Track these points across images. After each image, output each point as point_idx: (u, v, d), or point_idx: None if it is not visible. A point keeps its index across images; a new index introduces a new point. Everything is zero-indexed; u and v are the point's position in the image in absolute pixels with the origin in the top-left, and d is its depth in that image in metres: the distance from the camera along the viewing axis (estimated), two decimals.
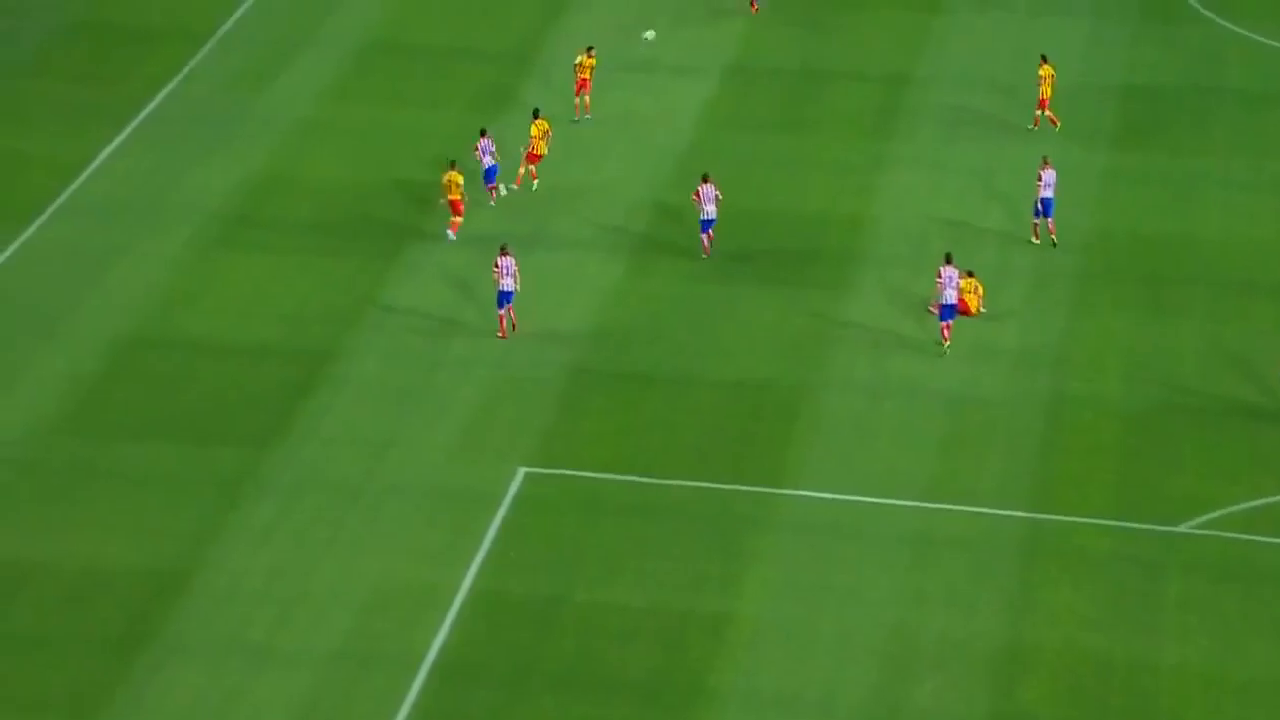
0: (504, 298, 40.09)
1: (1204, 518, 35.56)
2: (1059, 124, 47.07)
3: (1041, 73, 46.92)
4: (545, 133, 45.11)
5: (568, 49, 51.23)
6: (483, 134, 44.73)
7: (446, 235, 43.18)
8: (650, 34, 49.43)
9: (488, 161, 44.51)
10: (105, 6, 53.37)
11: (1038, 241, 43.03)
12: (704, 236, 42.80)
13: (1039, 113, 47.04)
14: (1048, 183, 42.75)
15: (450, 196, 42.95)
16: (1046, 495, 36.21)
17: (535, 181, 44.86)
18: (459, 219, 43.11)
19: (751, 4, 52.52)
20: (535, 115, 45.35)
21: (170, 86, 49.85)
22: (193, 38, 51.86)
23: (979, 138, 47.10)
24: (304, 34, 52.04)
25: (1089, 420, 38.09)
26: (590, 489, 36.49)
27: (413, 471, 36.88)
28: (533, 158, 45.17)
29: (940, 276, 39.58)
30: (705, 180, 42.73)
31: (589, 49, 48.48)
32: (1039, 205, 42.84)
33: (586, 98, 47.99)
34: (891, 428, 37.91)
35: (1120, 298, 41.47)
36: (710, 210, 42.59)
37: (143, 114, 48.54)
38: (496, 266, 40.11)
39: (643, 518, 35.83)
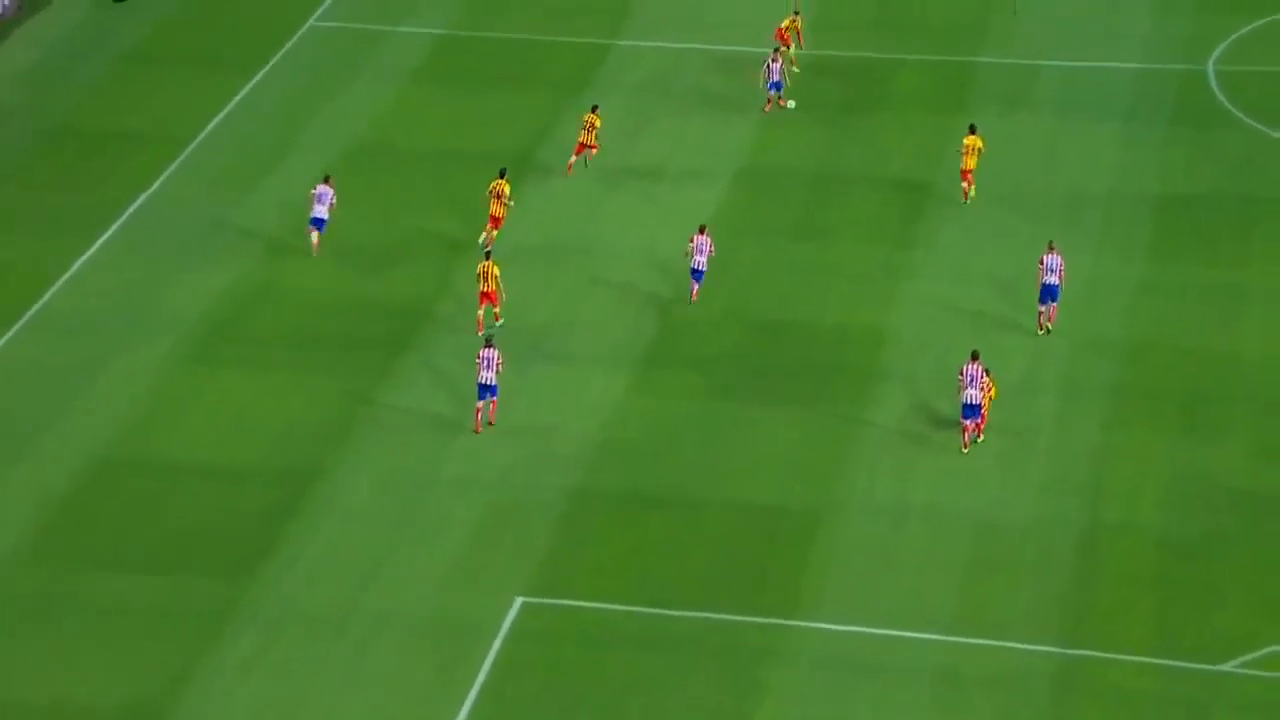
0: (483, 391, 40.54)
1: (1250, 656, 35.22)
2: (970, 197, 48.35)
3: (967, 142, 48.22)
4: (500, 193, 46.51)
5: (568, 155, 51.44)
6: (325, 180, 46.15)
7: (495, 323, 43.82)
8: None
9: (319, 211, 45.76)
10: (85, 111, 53.84)
11: (1042, 332, 43.44)
12: (695, 284, 44.89)
13: (964, 185, 48.40)
14: (1050, 268, 43.38)
15: (484, 288, 43.63)
16: (1080, 629, 35.90)
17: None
18: (497, 308, 43.94)
19: (768, 102, 52.75)
20: (502, 174, 46.90)
21: (150, 191, 50.16)
22: (174, 141, 52.24)
23: (1004, 246, 47.26)
24: (288, 138, 52.41)
25: (1125, 548, 37.85)
26: (593, 620, 36.22)
27: (403, 601, 36.64)
28: (494, 221, 46.59)
29: (962, 375, 39.79)
30: (701, 232, 44.67)
31: (593, 107, 49.59)
32: (1043, 293, 43.47)
33: (590, 155, 49.05)
34: (914, 555, 37.70)
35: (1158, 416, 41.41)
36: (701, 262, 44.55)
37: (120, 221, 48.81)
38: (478, 358, 40.61)
39: (649, 651, 35.53)
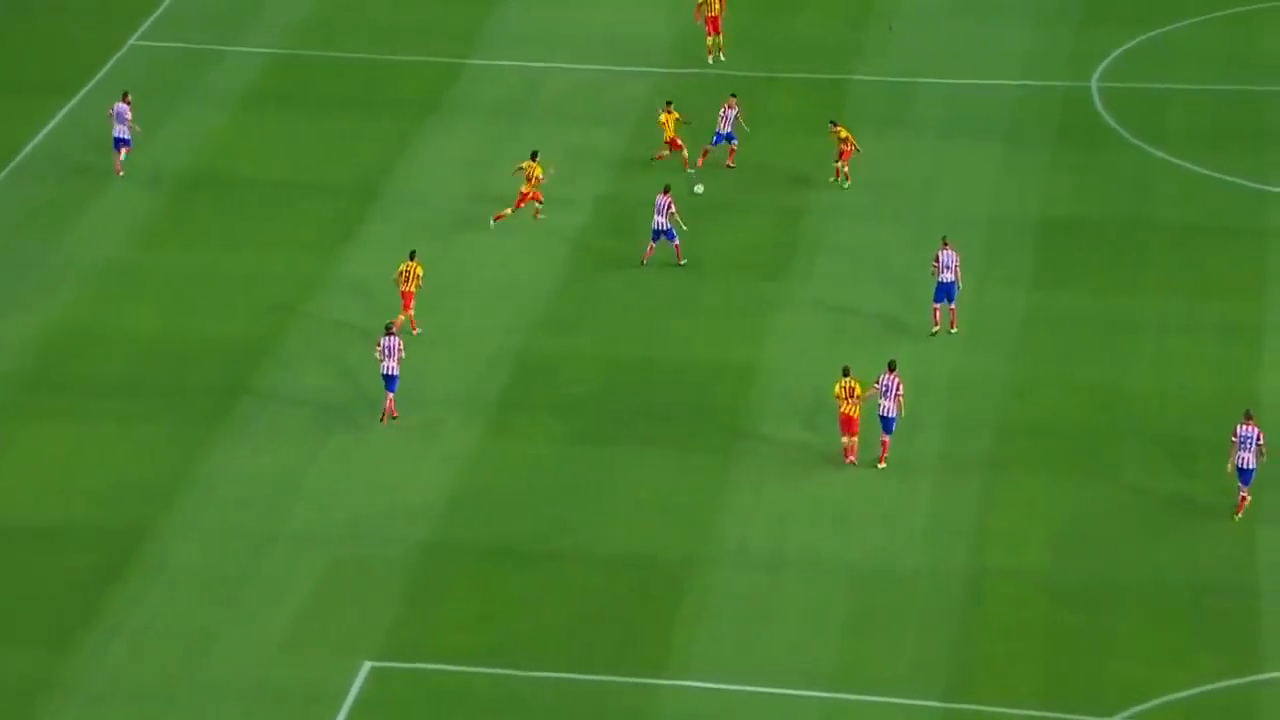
0: (389, 382, 41.83)
1: (1142, 707, 35.47)
2: (847, 181, 50.07)
3: (843, 133, 49.93)
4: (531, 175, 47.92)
5: (417, 181, 51.26)
6: (124, 97, 46.81)
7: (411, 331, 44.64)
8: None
9: (119, 131, 46.16)
10: None
11: (936, 329, 44.38)
12: (652, 245, 46.95)
13: (839, 165, 50.02)
14: (946, 265, 43.94)
15: (405, 287, 44.58)
16: (966, 682, 36.02)
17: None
18: (410, 313, 44.78)
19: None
20: (533, 157, 48.64)
21: None
22: None
23: (882, 274, 47.52)
24: (110, 165, 51.53)
25: (1012, 596, 38.06)
26: (448, 684, 35.85)
27: (239, 670, 36.10)
28: (534, 197, 48.26)
29: (878, 383, 40.72)
30: (665, 191, 47.18)
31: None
32: (937, 290, 44.06)
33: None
34: (792, 607, 37.70)
35: (1046, 455, 41.69)
36: (661, 221, 46.72)
37: None
38: (379, 347, 41.55)
39: (509, 716, 35.22)
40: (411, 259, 45.07)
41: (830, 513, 40.01)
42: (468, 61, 57.17)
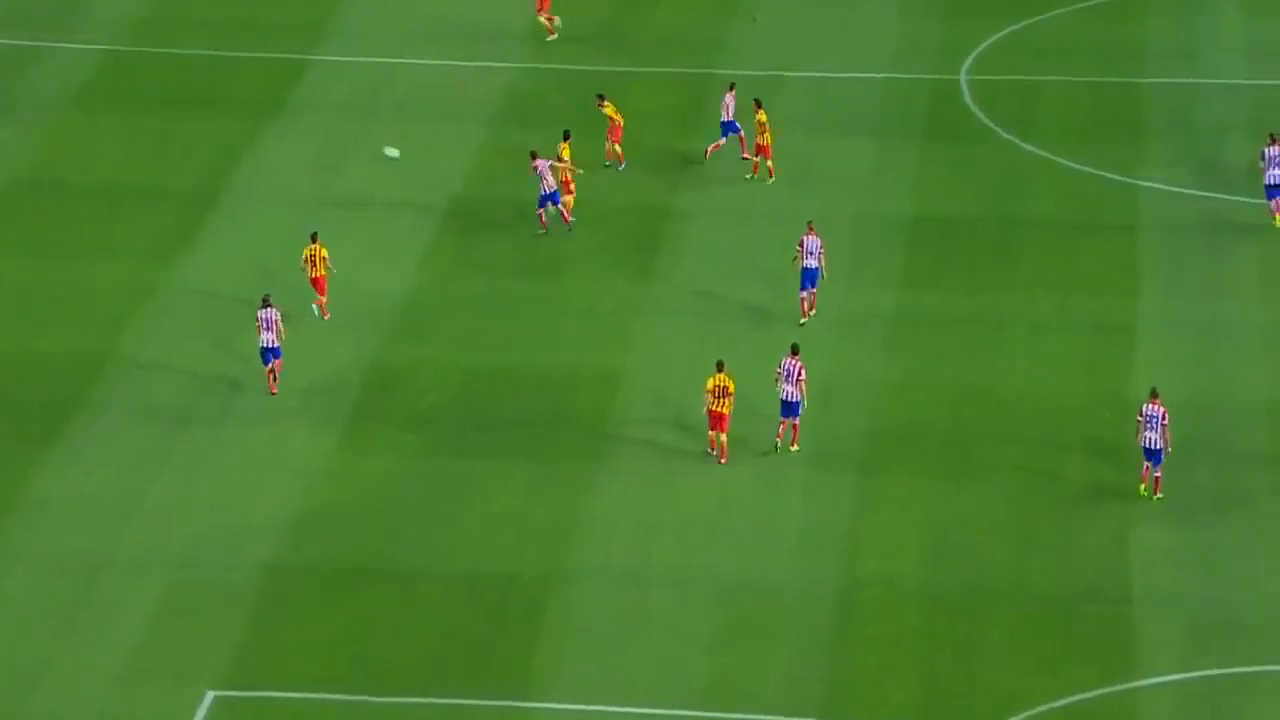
0: (265, 355, 42.58)
1: (1021, 715, 35.73)
2: (759, 176, 50.42)
3: (760, 118, 50.09)
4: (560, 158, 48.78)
5: (261, 184, 50.87)
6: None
7: (313, 311, 45.30)
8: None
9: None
10: None
11: (805, 320, 45.08)
12: (541, 211, 47.85)
13: (761, 161, 50.45)
14: (810, 250, 45.08)
15: (313, 274, 45.07)
16: (841, 696, 36.16)
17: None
18: (323, 299, 45.43)
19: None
20: (566, 137, 49.39)
21: None
22: None
23: (750, 272, 47.61)
24: None
25: (885, 606, 38.25)
26: (297, 712, 35.53)
27: (73, 703, 35.58)
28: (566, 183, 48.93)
29: (780, 369, 41.15)
30: (534, 157, 48.05)
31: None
32: (803, 277, 44.97)
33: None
34: (658, 622, 37.69)
35: (917, 460, 41.96)
36: (550, 183, 47.78)
37: None
38: (259, 319, 42.44)
39: None
40: (314, 241, 45.33)
41: (698, 523, 40.06)
42: (312, 57, 56.77)
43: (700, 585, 38.50)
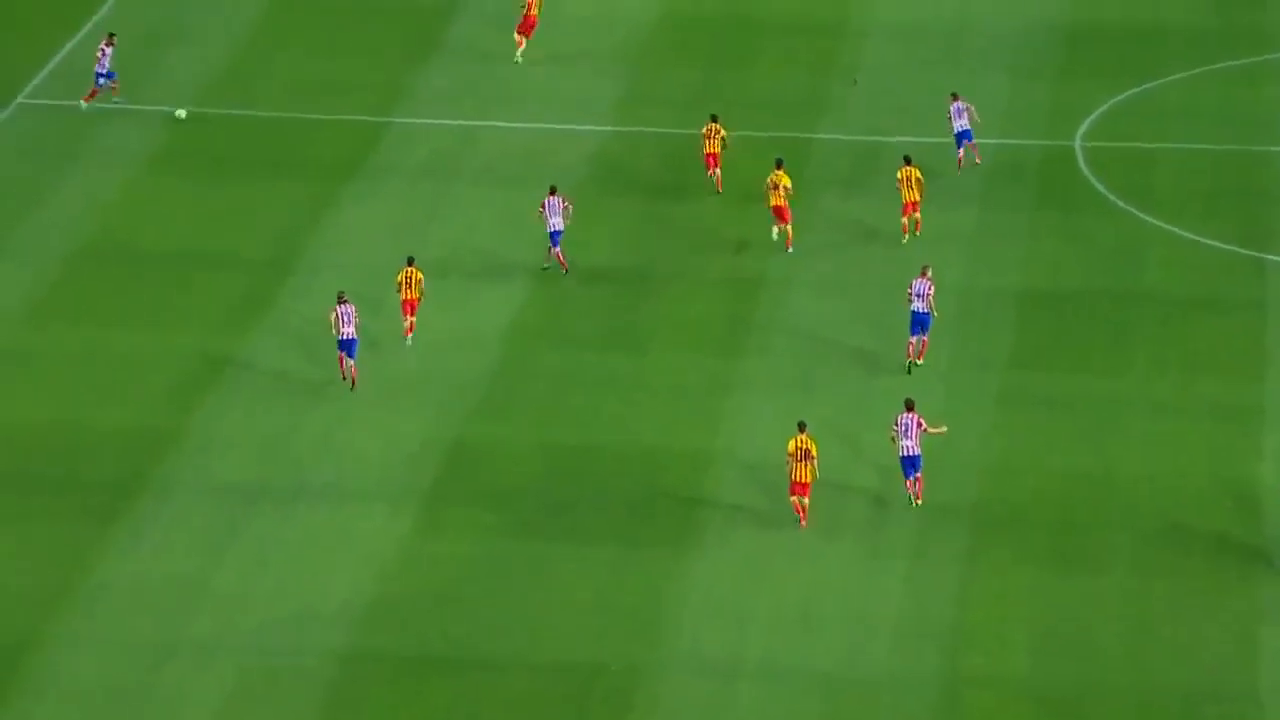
0: (344, 345, 45.55)
1: None
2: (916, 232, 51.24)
3: (903, 174, 51.31)
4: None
5: (336, 251, 51.31)
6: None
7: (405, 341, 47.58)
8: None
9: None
10: None
11: (914, 363, 46.54)
12: (554, 251, 49.89)
13: (905, 220, 51.38)
14: (919, 293, 46.49)
15: (407, 295, 47.52)
16: None
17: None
18: (413, 318, 47.61)
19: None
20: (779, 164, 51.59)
21: None
22: None
23: (842, 353, 47.57)
24: None
25: (991, 703, 37.94)
26: None
27: None
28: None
29: (897, 425, 42.28)
30: (552, 193, 49.87)
31: (712, 116, 53.31)
32: (912, 322, 46.46)
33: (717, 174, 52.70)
34: (749, 717, 37.42)
35: (1024, 549, 41.70)
36: (556, 223, 49.66)
37: None
38: (333, 312, 45.67)
39: None
40: (410, 265, 47.50)
41: (792, 612, 39.91)
42: (393, 120, 57.26)
43: (793, 678, 38.35)
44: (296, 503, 42.77)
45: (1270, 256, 51.11)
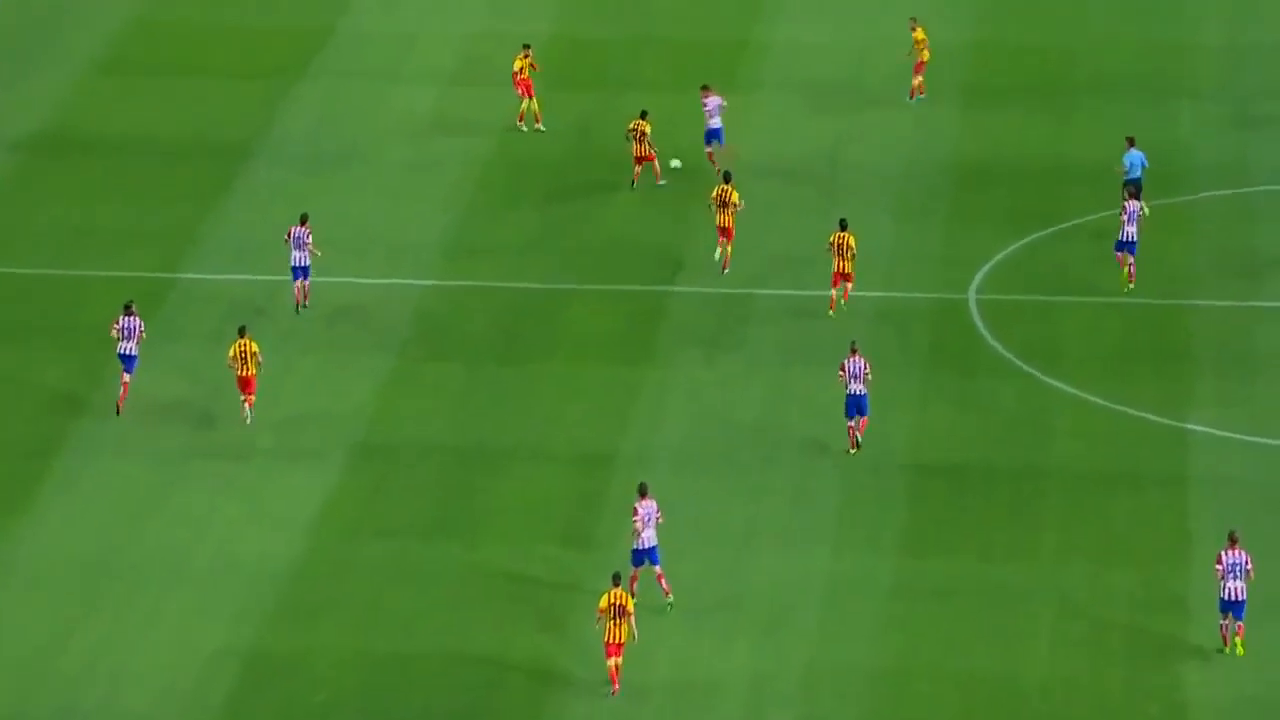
0: (126, 363, 49.24)
1: None
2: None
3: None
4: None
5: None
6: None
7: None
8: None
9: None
10: None
11: (853, 450, 49.35)
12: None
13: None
14: (854, 374, 48.98)
15: (243, 372, 49.43)
16: None
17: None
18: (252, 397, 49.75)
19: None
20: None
21: None
22: None
23: (714, 530, 46.77)
24: None
25: None
26: None
27: None
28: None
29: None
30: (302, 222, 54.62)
31: (642, 113, 59.51)
32: (847, 405, 49.49)
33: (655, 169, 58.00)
34: None
35: None
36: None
37: None
38: (116, 324, 49.34)
39: None
40: (241, 335, 49.40)
41: None
42: (180, 276, 56.51)
43: None
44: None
45: (1191, 426, 50.95)
